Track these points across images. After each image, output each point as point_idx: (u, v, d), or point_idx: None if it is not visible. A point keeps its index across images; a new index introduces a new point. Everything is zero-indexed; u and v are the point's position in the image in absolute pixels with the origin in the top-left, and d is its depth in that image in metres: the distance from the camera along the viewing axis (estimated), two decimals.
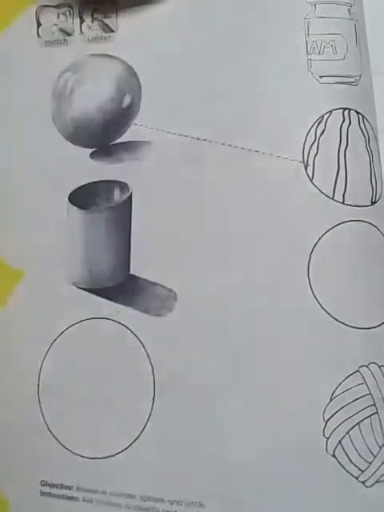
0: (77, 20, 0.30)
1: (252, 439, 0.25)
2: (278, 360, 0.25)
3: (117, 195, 0.28)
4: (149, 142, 0.28)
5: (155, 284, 0.27)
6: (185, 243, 0.27)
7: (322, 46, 0.27)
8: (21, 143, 0.30)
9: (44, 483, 0.27)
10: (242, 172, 0.27)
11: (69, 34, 0.30)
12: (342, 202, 0.26)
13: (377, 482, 0.24)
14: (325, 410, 0.24)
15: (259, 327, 0.26)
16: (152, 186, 0.28)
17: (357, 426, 0.24)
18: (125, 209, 0.28)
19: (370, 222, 0.26)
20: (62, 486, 0.27)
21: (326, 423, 0.24)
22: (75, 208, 0.28)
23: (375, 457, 0.24)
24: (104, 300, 0.28)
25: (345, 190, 0.26)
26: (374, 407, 0.24)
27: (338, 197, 0.26)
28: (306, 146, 0.26)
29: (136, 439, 0.26)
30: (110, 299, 0.28)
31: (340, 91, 0.26)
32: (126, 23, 0.29)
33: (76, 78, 0.30)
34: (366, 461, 0.24)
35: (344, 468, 0.24)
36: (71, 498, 0.26)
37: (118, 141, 0.29)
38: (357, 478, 0.24)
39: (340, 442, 0.24)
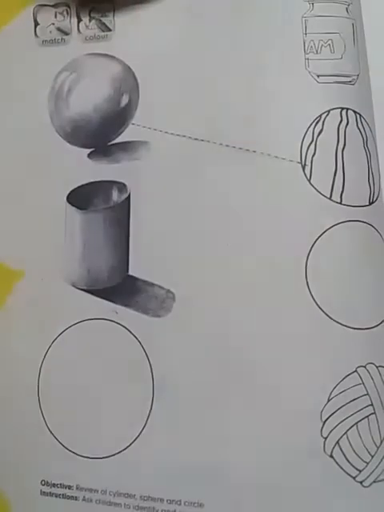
0: (74, 19, 0.30)
1: (250, 439, 0.25)
2: (276, 360, 0.25)
3: (115, 195, 0.28)
4: (147, 142, 0.28)
5: (153, 285, 0.27)
6: (183, 244, 0.27)
7: (319, 45, 0.27)
8: (18, 143, 0.30)
9: (44, 483, 0.27)
10: (240, 172, 0.27)
11: (66, 34, 0.30)
12: (340, 202, 0.26)
13: (374, 481, 0.24)
14: (323, 410, 0.24)
15: (257, 328, 0.26)
16: (150, 186, 0.28)
17: (354, 427, 0.24)
18: (123, 209, 0.28)
19: (367, 222, 0.26)
20: (62, 486, 0.27)
21: (324, 423, 0.24)
22: (73, 208, 0.28)
23: (373, 457, 0.24)
24: (103, 300, 0.28)
25: (342, 190, 0.26)
26: (371, 407, 0.24)
27: (336, 197, 0.26)
28: (303, 146, 0.26)
29: (135, 439, 0.26)
30: (109, 300, 0.28)
31: (338, 91, 0.26)
32: (123, 22, 0.29)
33: (73, 78, 0.30)
34: (364, 461, 0.24)
35: (342, 468, 0.24)
36: (71, 498, 0.26)
37: (115, 141, 0.29)
38: (354, 477, 0.24)
39: (338, 442, 0.24)
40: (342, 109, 0.26)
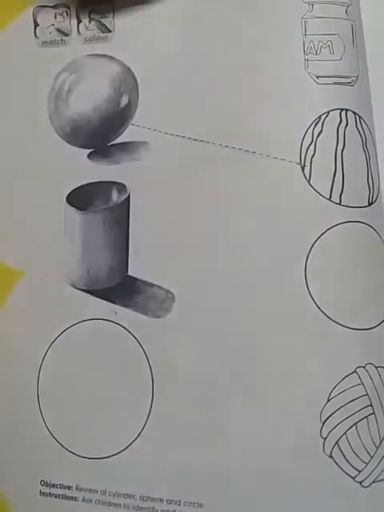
0: (74, 20, 0.30)
1: (250, 439, 0.25)
2: (275, 361, 0.25)
3: (115, 196, 0.28)
4: (146, 143, 0.28)
5: (153, 285, 0.27)
6: (182, 244, 0.27)
7: (319, 46, 0.27)
8: (18, 144, 0.30)
9: (44, 483, 0.27)
10: (239, 173, 0.27)
11: (66, 35, 0.30)
12: (339, 203, 0.26)
13: (374, 481, 0.24)
14: (322, 410, 0.24)
15: (256, 328, 0.26)
16: (150, 187, 0.28)
17: (354, 427, 0.24)
18: (122, 209, 0.28)
19: (366, 223, 0.26)
20: (62, 486, 0.27)
21: (324, 424, 0.24)
22: (73, 209, 0.28)
23: (372, 457, 0.24)
24: (102, 301, 0.28)
25: (342, 191, 0.26)
26: (370, 408, 0.24)
27: (335, 198, 0.26)
28: (303, 147, 0.26)
29: (135, 439, 0.26)
30: (108, 300, 0.28)
31: (337, 92, 0.26)
32: (123, 23, 0.29)
33: (73, 79, 0.30)
34: (363, 461, 0.24)
35: (341, 468, 0.24)
36: (71, 498, 0.26)
37: (115, 141, 0.29)
38: (354, 478, 0.24)
39: (337, 442, 0.24)
40: (342, 110, 0.26)
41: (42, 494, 0.27)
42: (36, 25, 0.30)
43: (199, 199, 0.27)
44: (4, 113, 0.30)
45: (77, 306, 0.28)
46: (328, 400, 0.24)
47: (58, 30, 0.30)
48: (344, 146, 0.26)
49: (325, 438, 0.24)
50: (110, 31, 0.30)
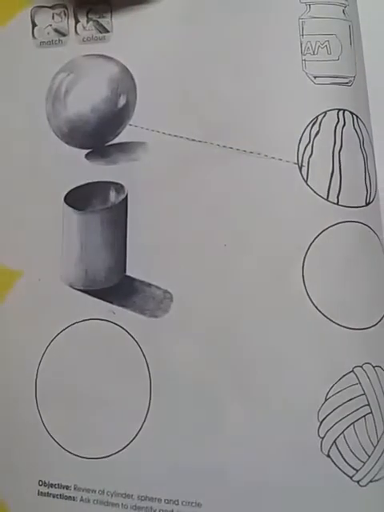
0: (72, 21, 0.30)
1: (248, 439, 0.25)
2: (273, 360, 0.25)
3: (113, 196, 0.28)
4: (144, 143, 0.28)
5: (151, 285, 0.27)
6: (180, 244, 0.27)
7: (316, 46, 0.27)
8: (16, 144, 0.30)
9: (42, 483, 0.27)
10: (237, 173, 0.27)
11: (64, 35, 0.30)
12: (337, 203, 0.26)
13: (371, 481, 0.24)
14: (320, 410, 0.25)
15: (254, 328, 0.26)
16: (147, 187, 0.28)
17: (351, 426, 0.24)
18: (120, 210, 0.28)
19: (364, 223, 0.26)
20: (60, 486, 0.27)
21: (321, 423, 0.24)
22: (71, 209, 0.28)
23: (369, 456, 0.24)
24: (100, 301, 0.28)
25: (339, 191, 0.26)
26: (368, 407, 0.24)
27: (333, 198, 0.26)
28: (300, 147, 0.26)
29: (133, 439, 0.26)
30: (106, 300, 0.28)
31: (334, 92, 0.26)
32: (120, 23, 0.29)
33: (71, 79, 0.30)
34: (361, 460, 0.24)
35: (338, 467, 0.24)
36: (69, 498, 0.26)
37: (113, 141, 0.29)
38: (351, 477, 0.24)
39: (334, 441, 0.24)
40: (339, 110, 0.26)
41: (40, 493, 0.27)
42: (34, 25, 0.30)
43: (197, 199, 0.27)
44: (2, 113, 0.30)
45: (75, 307, 0.28)
46: (325, 399, 0.25)
47: (56, 30, 0.30)
48: (341, 146, 0.26)
49: (322, 438, 0.24)
50: (107, 31, 0.30)
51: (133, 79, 0.29)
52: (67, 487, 0.27)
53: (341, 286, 0.25)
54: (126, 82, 0.29)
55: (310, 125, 0.26)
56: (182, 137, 0.28)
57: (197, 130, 0.28)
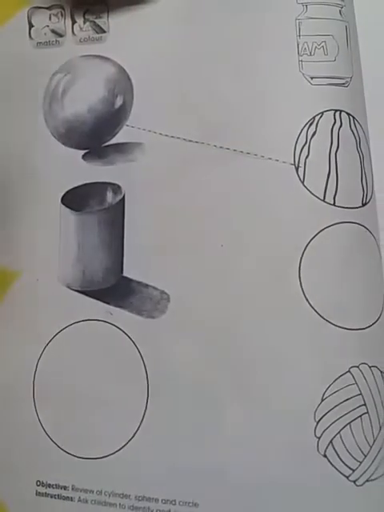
0: (68, 21, 0.30)
1: (244, 439, 0.25)
2: (269, 361, 0.25)
3: (109, 197, 0.28)
4: (141, 144, 0.28)
5: (148, 286, 0.27)
6: (177, 245, 0.27)
7: (313, 47, 0.27)
8: (14, 144, 0.30)
9: (39, 483, 0.27)
10: (234, 174, 0.27)
11: (61, 36, 0.30)
12: (333, 204, 0.26)
13: (367, 480, 0.24)
14: (316, 410, 0.25)
15: (251, 329, 0.26)
16: (145, 188, 0.28)
17: (348, 426, 0.24)
18: (117, 210, 0.28)
19: (360, 224, 0.26)
20: (58, 486, 0.27)
21: (318, 423, 0.25)
22: (68, 210, 0.28)
23: (366, 456, 0.24)
24: (97, 302, 0.28)
25: (336, 191, 0.26)
26: (364, 407, 0.24)
27: (329, 198, 0.26)
28: (297, 148, 0.26)
29: (130, 440, 0.26)
30: (104, 301, 0.28)
31: (331, 93, 0.26)
32: (117, 24, 0.29)
33: (68, 80, 0.30)
34: (357, 460, 0.24)
35: (335, 467, 0.24)
36: (66, 498, 0.27)
37: (110, 142, 0.29)
38: (348, 477, 0.24)
39: (331, 441, 0.24)
40: (336, 111, 0.26)
41: (38, 494, 0.27)
42: (31, 26, 0.30)
43: (194, 200, 0.27)
44: None
45: (72, 307, 0.28)
46: (322, 400, 0.25)
47: (53, 31, 0.30)
48: (338, 146, 0.26)
49: (319, 438, 0.24)
50: (104, 32, 0.30)
51: (130, 80, 0.29)
52: (65, 487, 0.27)
53: (337, 287, 0.25)
54: (122, 83, 0.29)
55: (307, 125, 0.26)
56: (178, 137, 0.28)
57: (194, 130, 0.28)
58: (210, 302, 0.26)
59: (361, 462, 0.24)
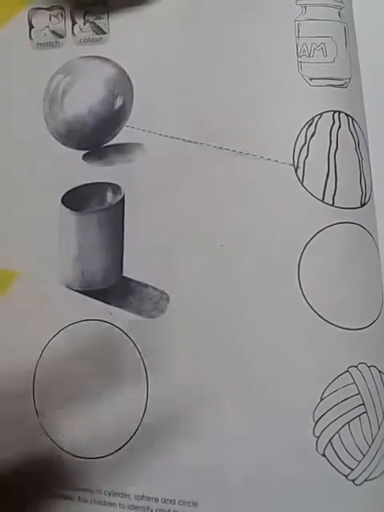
0: (69, 22, 0.30)
1: (243, 438, 0.25)
2: (268, 360, 0.25)
3: (109, 197, 0.28)
4: (141, 144, 0.28)
5: (148, 286, 0.27)
6: (176, 245, 0.27)
7: (312, 48, 0.27)
8: (14, 145, 0.30)
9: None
10: (233, 175, 0.27)
11: (61, 36, 0.30)
12: (332, 205, 0.26)
13: (366, 480, 0.24)
14: (315, 409, 0.25)
15: (250, 328, 0.26)
16: (144, 188, 0.28)
17: (346, 426, 0.24)
18: (117, 211, 0.28)
19: (359, 224, 0.26)
20: (58, 486, 0.27)
21: (316, 423, 0.25)
22: (68, 210, 0.29)
23: (364, 455, 0.24)
24: (97, 302, 0.28)
25: (334, 192, 0.26)
26: (363, 407, 0.25)
27: (328, 199, 0.26)
28: (296, 149, 0.26)
29: (130, 439, 0.26)
30: (104, 301, 0.28)
31: (330, 94, 0.27)
32: (117, 25, 0.29)
33: (68, 80, 0.30)
34: (356, 459, 0.24)
35: (334, 467, 0.24)
36: (66, 498, 0.27)
37: (110, 143, 0.29)
38: (347, 476, 0.24)
39: (330, 441, 0.24)
40: (335, 112, 0.26)
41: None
42: (31, 27, 0.30)
43: (193, 201, 0.27)
44: None
45: (72, 307, 0.28)
46: (321, 399, 0.25)
47: (53, 31, 0.30)
48: (337, 147, 0.26)
49: (318, 437, 0.25)
50: (104, 33, 0.30)
51: (129, 81, 0.29)
52: (65, 487, 0.27)
53: (336, 287, 0.25)
54: (122, 84, 0.29)
55: (306, 126, 0.26)
56: (178, 138, 0.28)
57: (193, 131, 0.28)
58: (209, 302, 0.26)
59: (359, 462, 0.24)
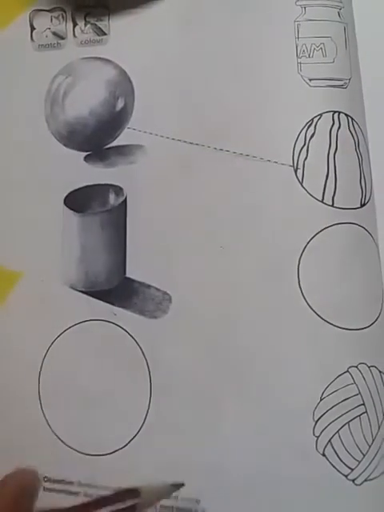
0: (70, 24, 0.30)
1: (244, 438, 0.25)
2: (268, 360, 0.26)
3: (112, 199, 0.29)
4: (142, 146, 0.28)
5: (150, 287, 0.28)
6: (178, 246, 0.27)
7: (311, 49, 0.27)
8: (15, 146, 0.30)
9: (47, 479, 0.27)
10: (233, 176, 0.27)
11: (62, 38, 0.30)
12: (332, 205, 0.26)
13: (366, 480, 0.24)
14: (315, 409, 0.25)
15: (250, 328, 0.26)
16: (146, 190, 0.28)
17: (346, 426, 0.25)
18: (120, 212, 0.28)
19: (359, 224, 0.26)
20: (65, 482, 0.27)
21: (316, 422, 0.25)
22: (71, 211, 0.29)
23: (365, 455, 0.24)
24: (101, 302, 0.28)
25: (334, 193, 0.26)
26: (363, 407, 0.25)
27: (328, 200, 0.26)
28: (295, 150, 0.26)
29: (134, 437, 0.27)
30: (107, 301, 0.28)
31: (330, 94, 0.26)
32: (118, 26, 0.29)
33: (69, 82, 0.30)
34: (356, 459, 0.24)
35: (334, 466, 0.24)
36: (73, 493, 0.27)
37: (111, 144, 0.29)
38: (346, 476, 0.24)
39: (330, 440, 0.25)
40: (334, 112, 0.26)
41: (45, 489, 0.27)
42: (32, 28, 0.31)
43: (194, 202, 0.28)
44: (1, 116, 0.30)
45: (76, 307, 0.28)
46: (320, 399, 0.25)
47: (54, 33, 0.30)
48: (336, 148, 0.26)
49: (317, 437, 0.25)
50: (105, 34, 0.30)
51: (130, 82, 0.29)
52: (71, 483, 0.27)
53: (336, 287, 0.26)
54: (123, 85, 0.29)
55: (306, 127, 0.26)
56: (179, 140, 0.28)
57: (194, 132, 0.28)
58: (210, 302, 0.27)
59: (359, 462, 0.24)
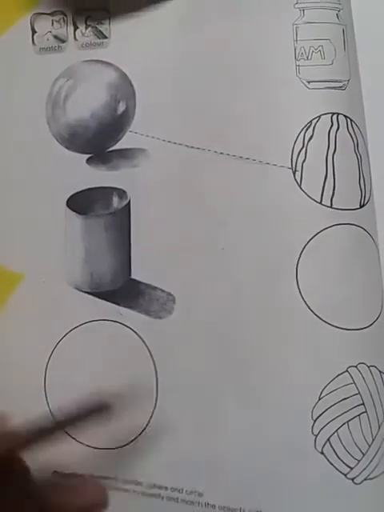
0: (71, 27, 0.30)
1: (245, 435, 0.26)
2: (269, 359, 0.26)
3: (115, 201, 0.29)
4: (144, 150, 0.29)
5: (155, 288, 0.28)
6: (181, 248, 0.28)
7: (310, 51, 0.27)
8: (17, 149, 0.30)
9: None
10: (234, 179, 0.27)
11: (63, 41, 0.30)
12: (330, 206, 0.26)
13: (365, 479, 0.24)
14: (313, 408, 0.25)
15: (251, 329, 0.26)
16: (149, 193, 0.28)
17: (345, 425, 0.25)
18: (123, 215, 0.29)
19: (358, 225, 0.26)
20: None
21: (315, 421, 0.25)
22: (73, 213, 0.29)
23: (364, 454, 0.25)
24: (107, 302, 0.28)
25: (333, 194, 0.26)
26: (362, 406, 0.25)
27: (326, 201, 0.26)
28: (294, 152, 0.27)
29: (141, 433, 0.27)
30: (113, 302, 0.28)
31: (328, 96, 0.27)
32: (119, 30, 0.30)
33: (70, 84, 0.30)
34: (355, 458, 0.25)
35: (333, 465, 0.25)
36: None
37: (114, 147, 0.29)
38: (346, 475, 0.25)
39: (328, 439, 0.25)
40: (333, 114, 0.26)
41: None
42: (33, 32, 0.31)
43: (196, 205, 0.28)
44: (3, 119, 0.31)
45: (82, 308, 0.29)
46: (319, 398, 0.25)
47: (55, 36, 0.30)
48: (335, 149, 0.26)
49: (316, 435, 0.25)
50: (106, 37, 0.30)
51: (132, 85, 0.29)
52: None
53: (335, 288, 0.26)
54: (124, 88, 0.29)
55: (304, 129, 0.26)
56: (181, 144, 0.28)
57: (194, 136, 0.28)
58: (211, 302, 0.27)
59: (359, 461, 0.25)
